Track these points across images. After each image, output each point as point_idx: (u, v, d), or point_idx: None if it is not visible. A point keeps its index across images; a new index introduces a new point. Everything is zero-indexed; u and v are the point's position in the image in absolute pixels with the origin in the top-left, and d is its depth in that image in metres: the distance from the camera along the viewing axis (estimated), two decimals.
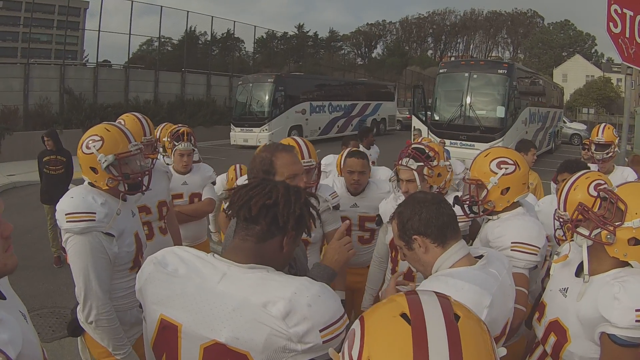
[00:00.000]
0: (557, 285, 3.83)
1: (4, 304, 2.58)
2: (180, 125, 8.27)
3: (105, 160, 4.67)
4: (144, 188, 5.09)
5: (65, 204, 4.51)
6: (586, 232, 3.55)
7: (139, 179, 4.99)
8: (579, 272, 3.67)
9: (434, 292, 2.00)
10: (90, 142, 4.74)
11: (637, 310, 3.13)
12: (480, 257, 3.40)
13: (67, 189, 6.46)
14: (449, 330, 1.76)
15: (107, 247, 4.54)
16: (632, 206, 3.39)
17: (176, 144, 7.68)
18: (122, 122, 6.23)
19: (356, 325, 1.88)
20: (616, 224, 3.41)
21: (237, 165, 9.55)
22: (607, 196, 3.58)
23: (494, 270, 3.23)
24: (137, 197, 5.36)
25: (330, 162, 9.83)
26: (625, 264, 3.43)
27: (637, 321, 3.12)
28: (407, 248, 3.43)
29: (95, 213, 4.49)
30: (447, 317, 1.79)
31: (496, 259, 3.42)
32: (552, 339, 3.73)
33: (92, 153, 4.69)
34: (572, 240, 3.71)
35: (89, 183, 4.83)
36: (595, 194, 3.83)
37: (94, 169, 4.72)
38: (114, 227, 4.59)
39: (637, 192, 3.47)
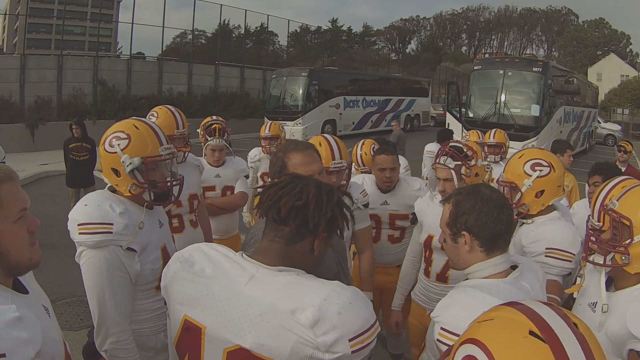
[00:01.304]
0: (586, 299, 3.72)
1: (27, 299, 2.68)
2: (214, 119, 8.24)
3: (130, 163, 4.03)
4: (173, 199, 4.45)
5: (78, 213, 3.88)
6: (600, 259, 3.48)
7: (168, 188, 4.36)
8: (609, 285, 3.56)
9: (538, 301, 1.94)
10: (115, 139, 4.10)
11: None
12: (516, 267, 3.29)
13: (92, 173, 6.39)
14: (580, 341, 1.71)
15: (127, 264, 3.92)
16: (637, 219, 3.32)
17: (209, 138, 7.68)
18: (155, 115, 6.18)
19: (474, 351, 1.78)
20: (626, 242, 3.33)
21: None
22: (609, 217, 3.49)
23: (526, 285, 3.13)
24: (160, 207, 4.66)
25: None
26: None
27: None
28: (452, 239, 3.31)
29: (112, 224, 3.85)
30: (572, 328, 1.74)
31: (531, 271, 3.30)
32: None
33: (116, 152, 4.07)
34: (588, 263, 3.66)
35: (109, 188, 4.23)
36: None
37: (115, 171, 4.10)
38: (135, 241, 3.96)
39: (635, 203, 3.39)
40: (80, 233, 3.80)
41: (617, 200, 3.47)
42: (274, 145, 9.75)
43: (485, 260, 3.18)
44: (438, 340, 2.94)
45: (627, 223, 3.33)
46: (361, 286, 5.52)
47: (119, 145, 4.06)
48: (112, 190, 4.19)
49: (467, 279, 3.27)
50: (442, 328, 2.93)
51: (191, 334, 2.62)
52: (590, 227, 3.71)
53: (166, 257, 4.13)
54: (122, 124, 4.24)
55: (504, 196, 3.41)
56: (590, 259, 3.60)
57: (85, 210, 3.86)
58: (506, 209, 3.22)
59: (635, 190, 3.48)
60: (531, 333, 1.71)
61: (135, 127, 4.19)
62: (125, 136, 4.09)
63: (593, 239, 3.58)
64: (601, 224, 3.62)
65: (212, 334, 2.56)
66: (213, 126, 7.72)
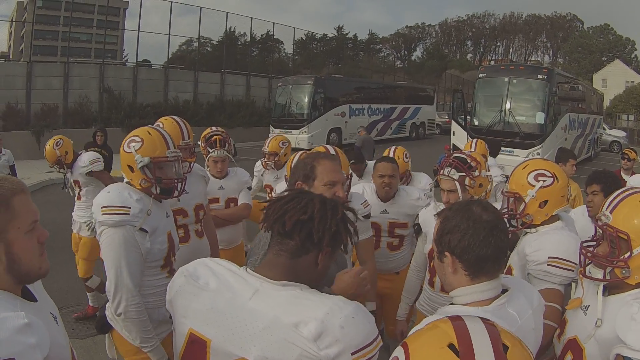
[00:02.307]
0: (579, 295, 3.75)
1: (35, 307, 2.75)
2: (214, 130, 8.29)
3: (141, 161, 4.86)
4: (176, 194, 5.20)
5: (102, 198, 4.66)
6: (599, 273, 3.46)
7: (172, 185, 5.13)
8: (605, 291, 3.51)
9: (480, 318, 1.96)
10: (132, 142, 4.95)
11: None
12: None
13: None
14: None
15: (140, 242, 4.65)
16: (633, 230, 3.31)
17: (210, 150, 7.75)
18: (161, 125, 6.27)
19: (399, 352, 1.85)
20: (625, 256, 3.32)
21: None
22: (604, 233, 3.48)
23: (512, 312, 2.88)
24: (173, 201, 5.49)
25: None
26: None
27: None
28: (438, 258, 3.07)
29: (130, 207, 4.62)
30: (496, 349, 1.76)
31: (523, 296, 3.02)
32: (568, 357, 3.65)
33: (131, 152, 4.91)
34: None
35: (126, 182, 5.00)
36: None
37: (130, 168, 4.92)
38: (147, 223, 4.71)
39: (630, 214, 3.36)
40: (103, 214, 4.56)
41: (610, 212, 3.47)
42: (273, 162, 9.83)
43: (470, 286, 2.91)
44: None
45: (625, 237, 3.32)
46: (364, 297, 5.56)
47: (134, 146, 4.92)
48: (128, 184, 4.96)
49: (452, 303, 3.03)
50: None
51: (196, 347, 2.66)
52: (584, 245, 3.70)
53: (171, 241, 5.03)
54: (139, 130, 5.10)
55: (500, 217, 3.10)
56: (587, 271, 3.57)
57: (108, 195, 4.67)
58: (497, 232, 2.90)
59: (627, 200, 3.46)
60: (449, 345, 1.79)
61: (149, 133, 5.05)
62: (140, 139, 4.96)
63: (589, 254, 3.57)
64: (596, 241, 3.62)
65: (217, 347, 2.59)
66: (214, 137, 7.79)
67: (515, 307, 2.93)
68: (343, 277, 3.34)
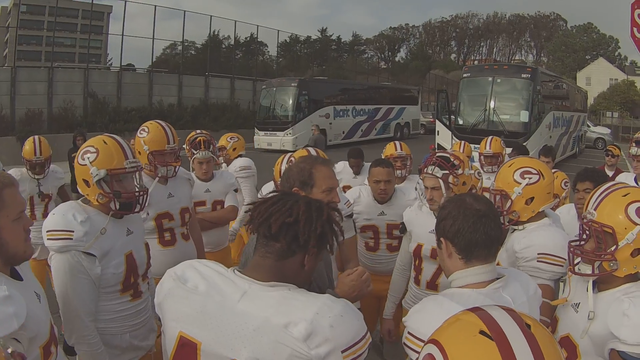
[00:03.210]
0: (570, 299, 3.79)
1: (19, 285, 3.22)
2: (198, 132, 8.36)
3: (97, 175, 4.48)
4: (137, 208, 4.81)
5: (47, 221, 4.37)
6: (587, 268, 3.52)
7: (133, 198, 4.72)
8: (595, 287, 3.57)
9: (498, 306, 1.98)
10: (86, 153, 4.57)
11: None
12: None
13: None
14: (529, 340, 1.77)
15: (88, 267, 4.33)
16: (617, 224, 3.37)
17: (194, 152, 7.73)
18: (146, 130, 6.16)
19: (432, 350, 1.85)
20: (612, 249, 3.38)
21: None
22: (590, 229, 3.54)
23: (507, 297, 3.06)
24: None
25: (340, 169, 9.80)
26: (636, 277, 3.41)
27: None
28: (438, 245, 3.33)
29: (73, 231, 4.27)
30: (522, 328, 1.80)
31: (518, 283, 3.23)
32: None
33: (86, 165, 4.53)
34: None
35: (82, 199, 4.67)
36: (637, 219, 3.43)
37: (86, 182, 4.55)
38: (95, 247, 4.36)
39: (614, 208, 3.43)
40: (47, 239, 4.28)
41: (595, 209, 3.53)
42: (222, 156, 9.79)
43: (464, 270, 3.16)
44: (404, 343, 2.98)
45: (610, 231, 3.38)
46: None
47: (88, 158, 4.54)
48: (86, 201, 4.65)
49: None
50: (408, 332, 2.97)
51: (187, 350, 2.66)
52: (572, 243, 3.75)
53: (131, 263, 4.66)
54: (94, 139, 4.74)
55: (491, 209, 3.31)
56: (577, 269, 3.63)
57: (52, 218, 4.36)
58: (485, 220, 3.14)
59: (611, 195, 3.52)
60: (481, 332, 1.80)
61: (104, 142, 4.66)
62: (95, 150, 4.57)
63: (578, 251, 3.62)
64: (583, 240, 3.66)
65: (207, 349, 2.59)
66: (198, 139, 7.76)
67: (510, 292, 3.09)
68: (345, 279, 3.39)
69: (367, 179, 7.09)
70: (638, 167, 8.52)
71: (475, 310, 1.95)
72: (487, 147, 9.93)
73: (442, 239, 3.24)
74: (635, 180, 8.33)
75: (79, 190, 4.65)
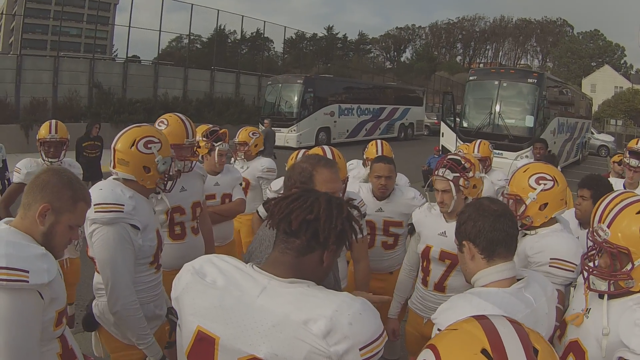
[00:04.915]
0: (580, 304, 3.77)
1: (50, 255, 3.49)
2: (212, 126, 8.35)
3: (164, 163, 4.90)
4: (169, 189, 5.25)
5: (94, 195, 4.38)
6: (604, 285, 3.50)
7: (174, 180, 5.24)
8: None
9: (506, 318, 1.97)
10: (150, 143, 4.86)
11: None
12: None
13: (100, 168, 6.60)
14: None
15: (133, 238, 4.59)
16: (634, 244, 3.33)
17: (214, 144, 7.75)
18: (165, 122, 6.19)
19: (428, 356, 1.84)
20: (627, 268, 3.35)
21: None
22: (604, 250, 3.49)
23: (529, 296, 3.18)
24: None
25: (354, 167, 9.79)
26: None
27: None
28: (459, 249, 3.43)
29: (123, 205, 4.54)
30: (528, 354, 1.76)
31: (538, 284, 3.34)
32: (570, 359, 3.67)
33: (152, 153, 4.83)
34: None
35: (114, 178, 4.88)
36: None
37: (147, 169, 4.83)
38: (140, 220, 4.65)
39: (628, 226, 3.38)
40: (96, 212, 4.42)
41: (608, 226, 3.48)
42: (243, 152, 9.74)
43: (487, 268, 3.26)
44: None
45: (626, 252, 3.35)
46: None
47: (154, 147, 4.85)
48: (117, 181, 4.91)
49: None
50: (438, 330, 2.99)
51: (204, 344, 2.65)
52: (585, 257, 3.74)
53: (159, 238, 4.97)
54: (148, 130, 5.00)
55: (507, 209, 3.47)
56: (592, 284, 3.60)
57: (101, 193, 4.55)
58: (504, 219, 3.30)
59: (624, 212, 3.46)
60: (483, 351, 1.77)
61: (160, 133, 5.09)
62: (158, 140, 4.91)
63: (591, 270, 3.58)
64: (594, 252, 3.65)
65: (225, 344, 2.59)
66: (222, 131, 7.84)
67: (531, 292, 3.21)
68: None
69: (369, 174, 7.12)
70: (633, 177, 8.55)
71: (482, 320, 1.94)
72: (476, 151, 9.85)
73: (464, 241, 3.35)
74: (624, 186, 8.39)
75: (117, 172, 4.83)
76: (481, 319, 1.93)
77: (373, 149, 8.60)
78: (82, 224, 3.85)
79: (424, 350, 1.91)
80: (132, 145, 4.80)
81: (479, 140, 10.32)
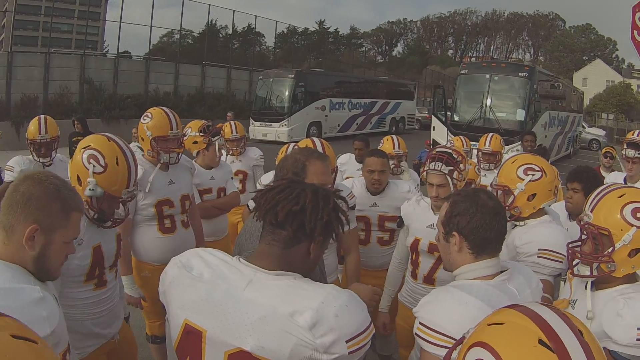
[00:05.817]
0: (567, 295, 3.83)
1: (45, 286, 3.15)
2: (205, 122, 8.28)
3: (92, 190, 4.55)
4: (107, 225, 4.77)
5: None
6: (586, 270, 3.55)
7: (109, 219, 4.74)
8: (593, 286, 3.62)
9: (546, 305, 1.96)
10: (92, 158, 4.62)
11: (638, 329, 3.15)
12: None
13: None
14: (585, 350, 1.75)
15: None
16: (613, 226, 3.40)
17: (213, 139, 7.80)
18: (150, 116, 6.17)
19: (483, 354, 1.81)
20: (609, 250, 3.40)
21: None
22: (586, 232, 3.57)
23: (512, 288, 3.18)
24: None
25: (345, 161, 9.85)
26: (634, 277, 3.45)
27: (637, 340, 3.14)
28: (444, 238, 3.37)
29: None
30: (578, 337, 1.78)
31: (521, 276, 3.35)
32: None
33: (88, 170, 4.57)
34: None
35: None
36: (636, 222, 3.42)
37: (79, 180, 4.61)
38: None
39: (609, 210, 3.45)
40: None
41: (591, 211, 3.55)
42: (241, 146, 9.74)
43: (474, 263, 3.24)
44: (416, 334, 3.03)
45: (606, 233, 3.41)
46: (347, 285, 5.58)
47: (93, 167, 4.59)
48: None
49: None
50: (420, 323, 3.02)
51: (192, 337, 2.66)
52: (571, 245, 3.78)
53: (98, 255, 4.61)
54: (98, 143, 4.73)
55: (501, 205, 3.46)
56: (576, 270, 3.66)
57: None
58: (500, 218, 3.27)
59: (607, 197, 3.54)
60: (540, 342, 1.75)
61: (117, 162, 4.69)
62: (104, 164, 4.63)
63: (577, 254, 3.64)
64: (582, 241, 3.69)
65: (212, 337, 2.59)
66: (218, 125, 8.01)
67: (514, 284, 3.20)
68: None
69: (362, 169, 7.06)
70: (632, 169, 8.55)
71: (524, 310, 1.91)
72: (487, 145, 9.83)
73: (455, 233, 3.27)
74: (625, 180, 8.38)
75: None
76: (521, 308, 1.92)
77: (389, 144, 8.62)
78: (78, 235, 3.42)
79: (473, 349, 1.87)
80: (80, 151, 4.68)
81: (490, 134, 10.23)
